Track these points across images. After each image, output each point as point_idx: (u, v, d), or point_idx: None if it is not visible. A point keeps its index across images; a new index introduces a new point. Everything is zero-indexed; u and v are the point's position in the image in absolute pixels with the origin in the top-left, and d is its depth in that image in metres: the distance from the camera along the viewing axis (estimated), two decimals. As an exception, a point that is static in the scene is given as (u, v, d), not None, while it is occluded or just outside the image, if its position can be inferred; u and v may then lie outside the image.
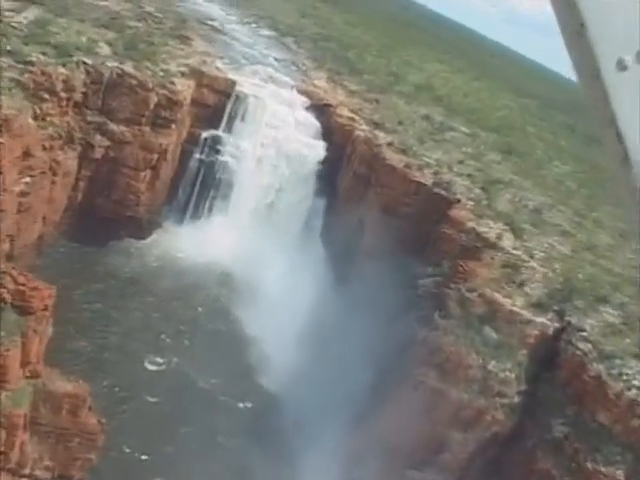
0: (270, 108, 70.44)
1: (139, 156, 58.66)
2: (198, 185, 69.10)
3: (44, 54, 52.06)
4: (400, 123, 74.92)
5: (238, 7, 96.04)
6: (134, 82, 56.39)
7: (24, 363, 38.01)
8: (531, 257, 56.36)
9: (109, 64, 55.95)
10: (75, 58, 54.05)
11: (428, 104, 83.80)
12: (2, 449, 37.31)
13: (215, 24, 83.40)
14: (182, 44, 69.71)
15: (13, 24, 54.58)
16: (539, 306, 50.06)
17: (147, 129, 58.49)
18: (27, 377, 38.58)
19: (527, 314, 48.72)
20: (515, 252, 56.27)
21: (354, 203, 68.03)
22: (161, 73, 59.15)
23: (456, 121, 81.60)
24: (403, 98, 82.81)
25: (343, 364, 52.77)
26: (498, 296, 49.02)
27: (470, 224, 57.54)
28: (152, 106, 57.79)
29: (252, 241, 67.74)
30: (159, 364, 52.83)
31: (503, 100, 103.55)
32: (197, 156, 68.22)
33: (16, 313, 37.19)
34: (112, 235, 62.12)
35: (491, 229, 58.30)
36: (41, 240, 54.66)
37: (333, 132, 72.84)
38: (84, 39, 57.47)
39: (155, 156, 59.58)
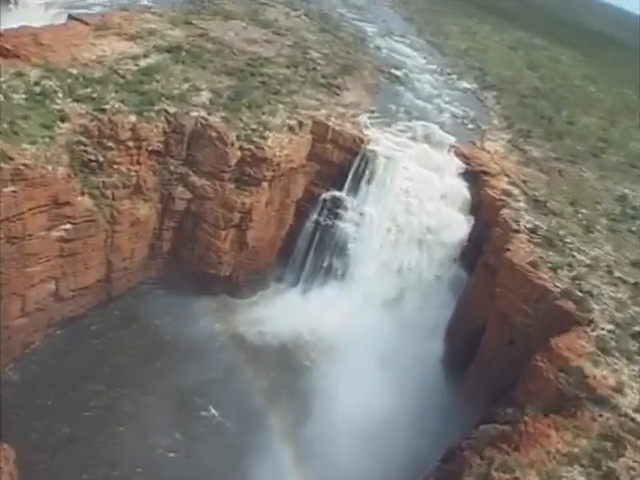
0: (406, 171, 58.53)
1: (218, 213, 52.32)
2: (313, 249, 60.25)
3: (122, 102, 48.95)
4: (573, 203, 56.88)
5: (448, 57, 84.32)
6: (214, 134, 50.30)
7: None
8: (661, 429, 36.26)
9: (193, 114, 50.76)
10: (157, 107, 49.99)
11: (640, 181, 62.88)
12: None
13: (398, 73, 73.68)
14: (324, 94, 61.97)
15: (120, 71, 52.85)
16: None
17: (230, 186, 51.88)
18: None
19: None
20: (636, 416, 36.72)
21: (483, 299, 52.53)
22: (254, 126, 52.06)
23: (673, 206, 59.46)
24: (603, 170, 63.42)
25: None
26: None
27: (578, 361, 39.24)
28: (233, 161, 51.01)
29: (363, 324, 56.20)
30: (169, 451, 45.43)
31: None
32: (314, 217, 59.51)
33: None
34: (204, 289, 56.80)
35: (614, 373, 39.16)
36: (109, 284, 51.67)
37: (481, 206, 57.95)
38: (186, 86, 53.32)
39: (236, 215, 52.58)
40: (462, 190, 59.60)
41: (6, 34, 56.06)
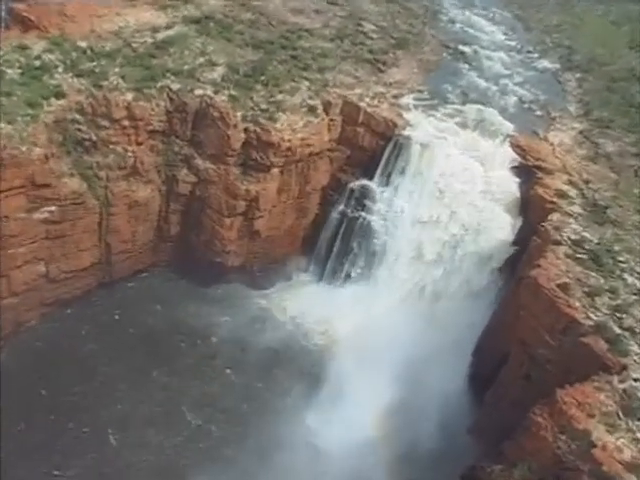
0: (446, 161, 49.14)
1: (222, 200, 46.19)
2: (339, 242, 52.62)
3: (123, 78, 43.71)
4: (641, 210, 45.08)
5: (534, 32, 71.43)
6: (216, 114, 43.88)
7: None
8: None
9: (198, 92, 44.58)
10: (159, 84, 44.31)
11: None
12: None
13: (466, 49, 62.77)
14: (366, 71, 53.35)
15: (134, 44, 47.60)
16: None
17: (235, 171, 45.44)
18: None
19: None
20: (651, 509, 27.00)
21: (512, 319, 42.80)
22: (264, 106, 45.02)
23: None
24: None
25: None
26: None
27: (586, 423, 29.64)
28: (237, 145, 44.43)
29: (386, 329, 48.16)
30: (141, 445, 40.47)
31: None
32: (341, 208, 51.72)
33: None
34: (217, 276, 51.19)
35: (633, 445, 29.23)
36: (109, 267, 47.40)
37: (530, 207, 47.69)
38: (200, 61, 47.13)
39: (241, 203, 46.14)
40: (511, 187, 49.18)
41: (36, 5, 52.71)
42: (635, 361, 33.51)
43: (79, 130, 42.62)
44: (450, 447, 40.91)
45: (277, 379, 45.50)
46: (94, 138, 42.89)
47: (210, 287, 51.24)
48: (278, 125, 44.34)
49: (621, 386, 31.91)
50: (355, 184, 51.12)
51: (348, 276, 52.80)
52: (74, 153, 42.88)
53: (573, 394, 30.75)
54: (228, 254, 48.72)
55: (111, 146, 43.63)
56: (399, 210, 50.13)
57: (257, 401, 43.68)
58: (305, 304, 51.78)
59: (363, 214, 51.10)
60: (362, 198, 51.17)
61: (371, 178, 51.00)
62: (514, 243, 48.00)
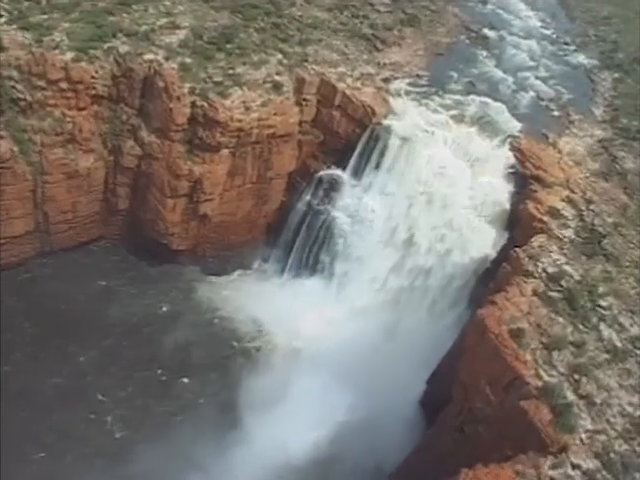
0: (430, 159, 41.21)
1: (164, 178, 40.06)
2: (302, 235, 45.79)
3: (68, 35, 37.80)
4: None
5: (577, 22, 60.81)
6: (161, 84, 37.42)
7: None
8: None
9: (147, 56, 38.19)
10: (107, 45, 38.15)
11: None
12: None
13: (490, 34, 53.55)
14: (359, 47, 45.71)
15: (94, -2, 41.58)
16: None
17: (179, 148, 39.03)
18: None
19: None
20: None
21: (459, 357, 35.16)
22: (218, 78, 38.18)
23: None
24: None
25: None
26: None
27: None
28: (181, 120, 37.92)
29: (337, 339, 41.60)
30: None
31: None
32: (307, 198, 44.82)
33: None
34: (170, 256, 45.47)
35: None
36: (48, 236, 42.45)
37: (518, 224, 39.33)
38: (162, 22, 40.65)
39: (184, 184, 39.86)
40: (501, 197, 40.95)
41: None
42: (582, 441, 25.64)
43: (14, 88, 37.26)
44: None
45: (198, 385, 39.43)
46: (29, 99, 37.40)
47: (158, 267, 45.56)
48: (228, 102, 37.52)
49: (551, 473, 24.22)
50: (324, 173, 43.94)
51: (310, 273, 46.14)
52: (8, 112, 37.60)
53: (483, 478, 23.46)
54: (172, 236, 42.80)
55: (48, 109, 38.09)
56: (369, 210, 42.94)
57: (169, 406, 37.88)
58: (252, 299, 45.24)
59: (329, 208, 44.04)
60: (330, 190, 43.97)
61: (344, 169, 43.78)
62: (493, 262, 40.09)
